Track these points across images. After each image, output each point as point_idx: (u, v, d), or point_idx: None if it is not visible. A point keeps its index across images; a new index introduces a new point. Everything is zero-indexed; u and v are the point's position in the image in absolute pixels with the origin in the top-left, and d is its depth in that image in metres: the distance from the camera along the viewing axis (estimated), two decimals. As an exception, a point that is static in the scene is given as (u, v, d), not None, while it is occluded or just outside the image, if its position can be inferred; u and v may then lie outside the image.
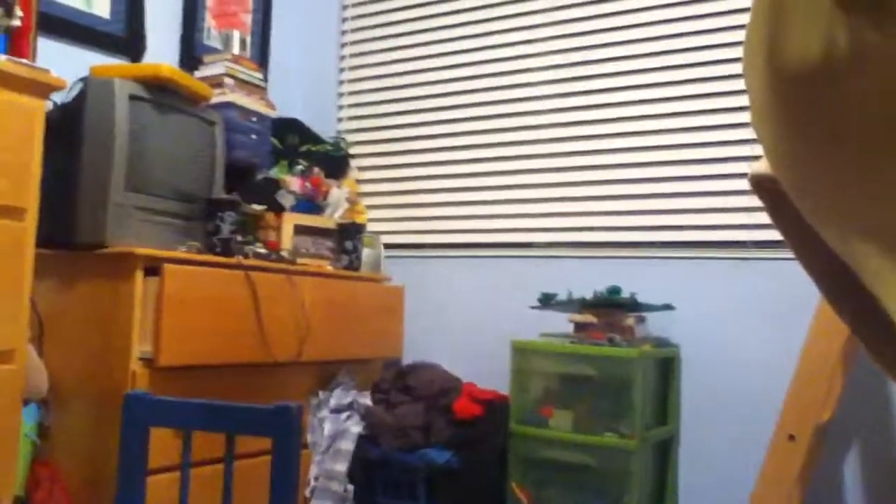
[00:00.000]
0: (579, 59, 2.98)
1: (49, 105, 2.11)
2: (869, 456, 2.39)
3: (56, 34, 2.55)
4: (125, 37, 2.79)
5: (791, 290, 2.48)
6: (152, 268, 2.13)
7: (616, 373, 2.37)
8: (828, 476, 2.40)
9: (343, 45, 3.56)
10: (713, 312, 2.64)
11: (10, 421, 1.76)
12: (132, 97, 2.27)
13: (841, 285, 0.83)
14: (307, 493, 2.48)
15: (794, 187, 0.68)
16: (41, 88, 1.86)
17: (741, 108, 2.64)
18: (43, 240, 1.98)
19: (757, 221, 2.58)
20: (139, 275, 2.11)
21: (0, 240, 1.74)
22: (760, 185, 0.86)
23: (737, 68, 2.68)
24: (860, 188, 0.61)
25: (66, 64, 2.42)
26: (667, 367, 2.61)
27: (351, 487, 2.46)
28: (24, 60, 1.85)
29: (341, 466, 2.48)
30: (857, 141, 0.59)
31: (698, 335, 2.63)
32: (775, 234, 2.51)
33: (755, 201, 2.56)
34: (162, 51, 2.92)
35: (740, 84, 2.64)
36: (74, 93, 2.26)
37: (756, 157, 2.57)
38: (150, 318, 2.10)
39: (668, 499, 2.56)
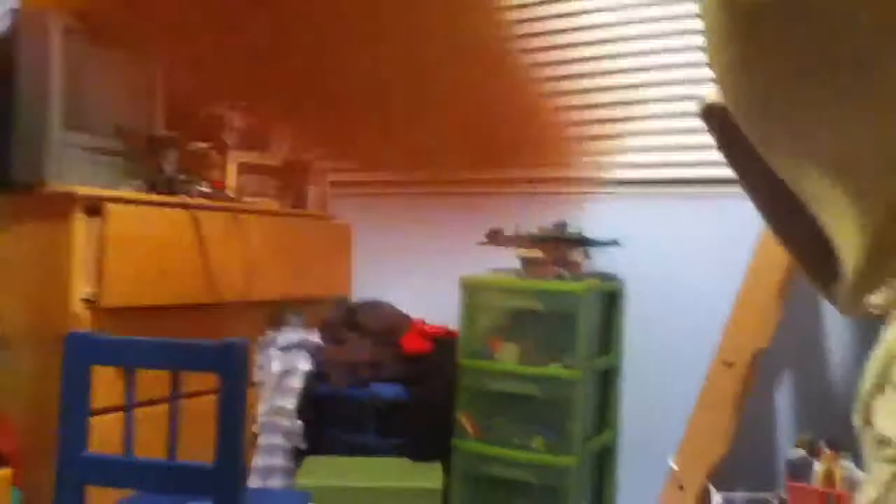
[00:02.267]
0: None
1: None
2: (801, 382, 2.49)
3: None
4: (56, -33, 2.67)
5: (732, 228, 2.53)
6: (94, 207, 2.09)
7: (562, 306, 2.41)
8: (762, 401, 2.49)
9: (286, -22, 3.46)
10: (657, 248, 2.69)
11: (-51, 363, 1.74)
12: (66, 30, 2.18)
13: (785, 212, 0.85)
14: (255, 428, 2.50)
15: (746, 116, 0.69)
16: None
17: (690, 48, 2.65)
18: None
19: (701, 159, 2.62)
20: (80, 215, 2.07)
21: (-71, 179, 1.69)
22: (711, 114, 0.88)
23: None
24: (813, 117, 0.62)
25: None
26: (611, 300, 2.66)
27: (299, 423, 2.49)
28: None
29: (290, 403, 2.50)
30: (812, 72, 0.60)
31: (642, 270, 2.69)
32: (718, 173, 2.55)
33: (700, 140, 2.59)
34: (96, -18, 2.81)
35: (686, 24, 2.65)
36: (6, 26, 2.17)
37: (698, 97, 2.59)
38: (92, 259, 2.07)
39: (610, 425, 2.65)
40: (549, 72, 2.90)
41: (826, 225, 0.65)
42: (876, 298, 0.80)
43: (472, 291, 2.53)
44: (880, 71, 0.54)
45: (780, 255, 2.14)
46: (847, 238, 0.62)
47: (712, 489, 2.23)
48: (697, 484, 2.23)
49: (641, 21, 2.75)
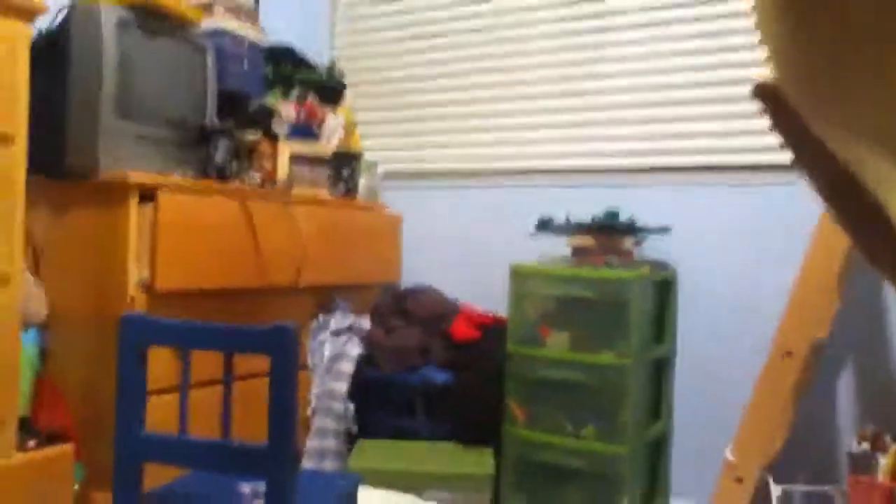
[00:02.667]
0: (577, -21, 2.92)
1: (35, 33, 2.07)
2: (863, 373, 2.42)
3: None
4: (111, -40, 2.72)
5: (787, 213, 2.47)
6: (147, 194, 2.12)
7: (613, 295, 2.38)
8: (823, 390, 2.43)
9: (336, -31, 3.47)
10: (710, 235, 2.63)
11: (11, 343, 1.78)
12: (120, 22, 2.22)
13: (843, 194, 0.81)
14: (309, 412, 2.52)
15: (799, 91, 0.66)
16: (24, 12, 1.82)
17: (739, 31, 2.59)
18: (36, 169, 1.96)
19: (754, 145, 2.56)
20: (133, 201, 2.10)
21: (-9, 164, 1.73)
22: (764, 93, 0.85)
23: (738, -16, 2.62)
24: (868, 89, 0.59)
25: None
26: (664, 288, 2.62)
27: (351, 406, 2.50)
28: (6, -19, 1.80)
29: (341, 386, 2.51)
30: (867, 39, 0.57)
31: (695, 257, 2.64)
32: (772, 158, 2.49)
33: (753, 125, 2.53)
34: (149, -25, 2.85)
35: (739, 5, 2.59)
36: (61, 19, 2.21)
37: (752, 81, 2.54)
38: (146, 245, 2.10)
39: (664, 415, 2.60)
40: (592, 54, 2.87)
41: (886, 205, 0.62)
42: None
43: (522, 279, 2.51)
44: None
45: (838, 242, 2.08)
46: None
47: (771, 482, 2.18)
48: (755, 476, 2.18)
49: (698, 3, 2.70)
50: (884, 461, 1.97)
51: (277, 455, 1.35)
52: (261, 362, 1.47)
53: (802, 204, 2.31)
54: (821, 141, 0.68)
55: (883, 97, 0.60)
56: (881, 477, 1.95)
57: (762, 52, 0.68)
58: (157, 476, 1.52)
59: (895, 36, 0.56)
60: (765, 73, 0.82)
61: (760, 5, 0.63)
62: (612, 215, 2.60)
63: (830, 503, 2.11)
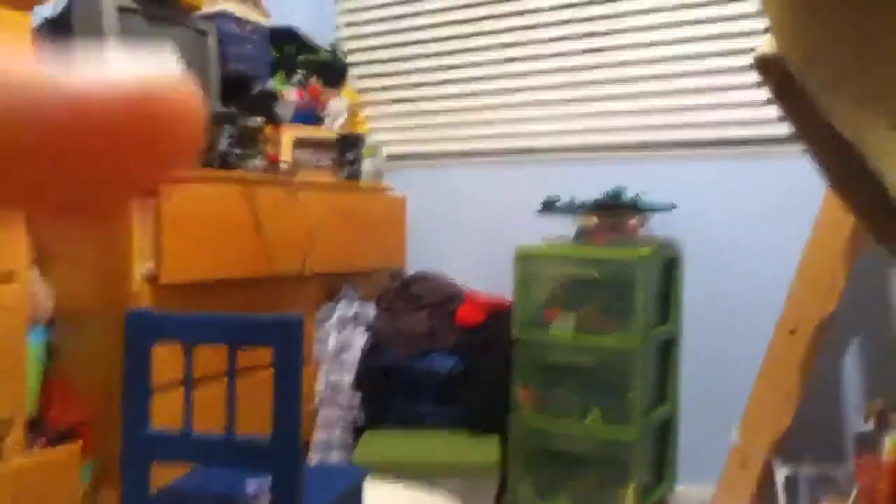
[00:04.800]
0: (580, -46, 2.88)
1: (36, 21, 2.06)
2: (870, 349, 2.41)
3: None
4: (109, -53, 2.70)
5: (792, 188, 2.45)
6: (150, 185, 2.12)
7: (619, 274, 2.37)
8: (829, 370, 2.42)
9: (336, -52, 3.44)
10: (716, 211, 2.62)
11: (18, 341, 1.79)
12: (121, 8, 2.21)
13: (846, 168, 0.81)
14: (315, 402, 2.54)
15: (802, 62, 0.66)
16: (24, 1, 1.81)
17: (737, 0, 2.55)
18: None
19: (758, 117, 2.53)
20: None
21: (-8, 162, 1.73)
22: (766, 65, 0.84)
23: (743, -42, 2.58)
24: (872, 58, 0.59)
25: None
26: (670, 266, 2.61)
27: (358, 396, 2.51)
28: (2, -26, 1.79)
29: (347, 376, 2.52)
30: (869, 7, 0.57)
31: (702, 234, 2.62)
32: (776, 131, 2.46)
33: (757, 97, 2.50)
34: (148, -40, 2.83)
35: (746, -25, 2.55)
36: (61, 7, 2.20)
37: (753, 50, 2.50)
38: (150, 236, 2.11)
39: (671, 396, 2.61)
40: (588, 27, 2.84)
41: (886, 176, 0.62)
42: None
43: (527, 261, 2.50)
44: None
45: (845, 217, 2.06)
46: None
47: (776, 464, 2.18)
48: (760, 459, 2.19)
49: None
50: (888, 440, 1.97)
51: (282, 449, 1.36)
52: (266, 353, 1.48)
53: (809, 178, 2.29)
54: (824, 113, 0.67)
55: (890, 74, 0.59)
56: (886, 455, 1.95)
57: (765, 22, 0.67)
58: (165, 471, 1.54)
59: None
60: (766, 43, 0.81)
61: None
62: (617, 194, 2.58)
63: (836, 484, 2.11)
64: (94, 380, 2.11)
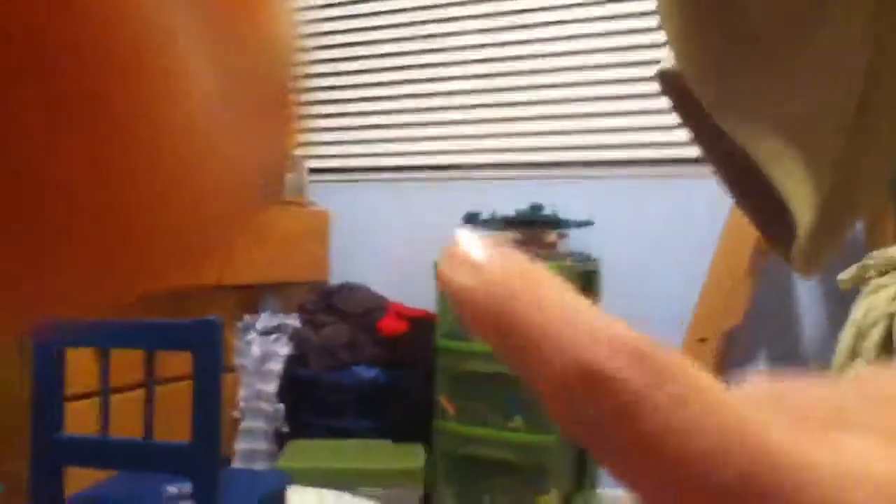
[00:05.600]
0: (500, -23, 2.96)
1: None
2: (775, 360, 2.52)
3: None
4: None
5: (706, 205, 2.56)
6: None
7: (538, 287, 2.42)
8: (737, 379, 2.52)
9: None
10: (632, 228, 2.71)
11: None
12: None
13: (743, 177, 0.87)
14: (237, 413, 2.51)
15: (698, 79, 0.71)
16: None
17: (655, 28, 2.67)
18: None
19: (673, 140, 2.64)
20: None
21: None
22: (667, 80, 0.89)
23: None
24: (761, 76, 0.64)
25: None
26: (587, 280, 2.68)
27: (281, 406, 2.49)
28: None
29: (271, 387, 2.50)
30: (761, 31, 0.62)
31: (617, 250, 2.71)
32: (689, 153, 2.57)
33: (670, 120, 2.61)
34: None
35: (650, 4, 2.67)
36: None
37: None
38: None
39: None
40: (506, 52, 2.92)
41: (781, 187, 0.67)
42: (844, 274, 0.82)
43: (449, 273, 2.53)
44: (821, 28, 0.56)
45: (749, 233, 2.17)
46: (800, 200, 0.64)
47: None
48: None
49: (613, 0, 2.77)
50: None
51: (202, 453, 1.35)
52: (183, 364, 1.46)
53: (721, 196, 2.40)
54: (718, 124, 0.72)
55: (773, 88, 0.64)
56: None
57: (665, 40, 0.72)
58: (79, 481, 1.50)
59: (784, 35, 0.61)
60: (666, 59, 0.87)
61: (661, 3, 0.67)
62: (536, 209, 2.65)
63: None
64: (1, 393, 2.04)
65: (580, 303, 0.16)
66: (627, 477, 0.15)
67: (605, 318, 0.16)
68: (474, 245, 0.17)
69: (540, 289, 0.16)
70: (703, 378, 0.15)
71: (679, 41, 0.67)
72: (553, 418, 0.15)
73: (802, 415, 0.16)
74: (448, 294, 0.17)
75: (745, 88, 0.63)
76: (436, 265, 0.17)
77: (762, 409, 0.15)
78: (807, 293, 2.49)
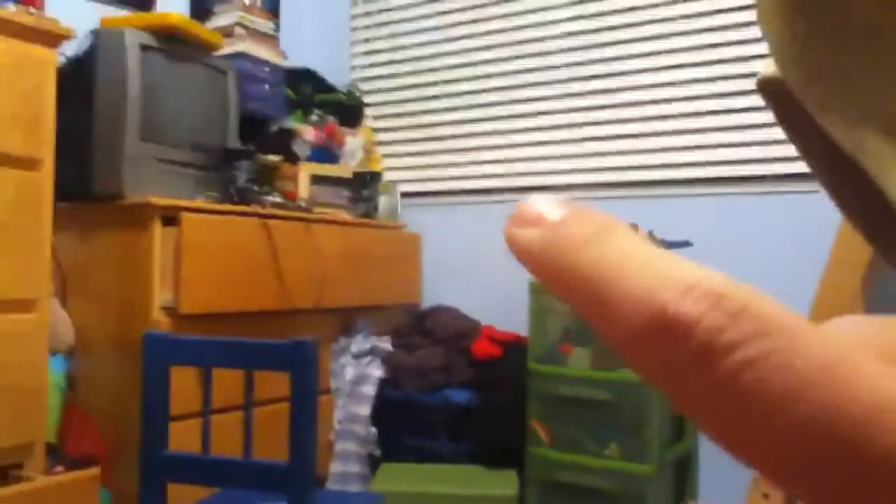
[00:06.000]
0: (592, -4, 2.94)
1: (62, 59, 2.12)
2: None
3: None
4: (135, -11, 2.78)
5: (811, 223, 2.45)
6: (170, 217, 2.15)
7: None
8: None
9: (354, -7, 3.52)
10: (731, 248, 2.62)
11: (38, 369, 1.80)
12: (143, 47, 2.27)
13: (850, 187, 0.82)
14: (331, 436, 2.53)
15: (800, 81, 0.67)
16: (50, 38, 1.87)
17: (750, 41, 2.59)
18: (62, 193, 2.00)
19: (775, 155, 2.55)
20: (157, 224, 2.13)
21: (17, 190, 1.76)
22: (767, 87, 0.85)
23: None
24: (867, 74, 0.60)
25: (77, 17, 2.42)
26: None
27: (374, 430, 2.50)
28: (32, 9, 1.85)
29: (364, 410, 2.51)
30: (863, 24, 0.58)
31: (718, 270, 2.62)
32: (792, 168, 2.47)
33: (772, 135, 2.53)
34: (171, 2, 2.91)
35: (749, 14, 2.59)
36: (86, 45, 2.26)
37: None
38: (170, 267, 2.13)
39: (688, 432, 2.58)
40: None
41: (889, 192, 0.63)
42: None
43: (541, 296, 2.51)
44: None
45: (860, 249, 2.06)
46: None
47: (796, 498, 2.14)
48: (780, 493, 2.15)
49: (710, 13, 2.70)
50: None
51: (297, 471, 1.36)
52: (283, 386, 1.48)
53: (821, 213, 2.30)
54: (825, 132, 0.69)
55: (886, 89, 0.61)
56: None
57: (766, 47, 0.68)
58: (184, 495, 1.54)
59: (893, 21, 0.57)
60: (767, 66, 0.83)
61: (765, 7, 0.64)
62: (633, 228, 2.59)
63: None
64: (114, 409, 2.12)
65: (654, 249, 0.16)
66: (710, 424, 0.14)
67: (681, 262, 0.15)
68: (542, 202, 0.17)
69: (611, 237, 0.16)
70: (782, 314, 0.14)
71: (780, 43, 0.64)
72: (630, 367, 0.15)
73: (891, 349, 0.16)
74: (514, 253, 0.17)
75: (852, 86, 0.59)
76: (528, 286, 0.17)
77: (851, 344, 0.14)
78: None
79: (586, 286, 0.15)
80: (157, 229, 2.13)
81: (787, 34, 0.68)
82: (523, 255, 0.17)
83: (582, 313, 0.16)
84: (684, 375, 0.14)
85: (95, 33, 2.25)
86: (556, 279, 0.16)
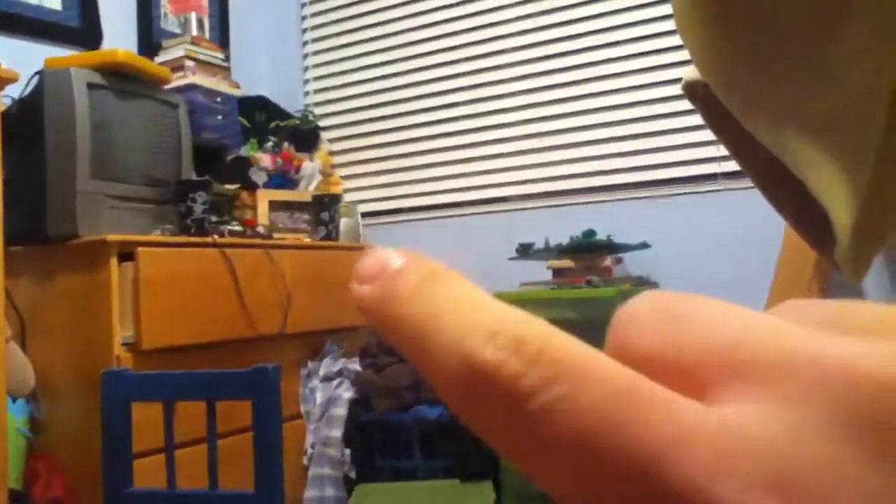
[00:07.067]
0: (537, 10, 2.98)
1: (7, 102, 2.11)
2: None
3: (7, 30, 2.53)
4: (80, 28, 2.78)
5: (764, 219, 2.50)
6: (127, 253, 2.14)
7: (597, 314, 2.39)
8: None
9: (304, 18, 3.54)
10: (689, 247, 2.66)
11: (-2, 414, 1.78)
12: (90, 85, 2.26)
13: (782, 187, 0.84)
14: (305, 461, 2.52)
15: (722, 86, 0.70)
16: (-6, 82, 1.86)
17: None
18: (15, 237, 1.98)
19: (724, 153, 2.59)
20: (114, 261, 2.12)
21: (-33, 236, 1.75)
22: (693, 91, 0.88)
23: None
24: (784, 75, 0.62)
25: (22, 60, 2.40)
26: (648, 304, 2.63)
27: (347, 451, 2.50)
28: (-29, 55, 1.84)
29: (336, 432, 2.51)
30: (778, 27, 0.61)
31: (676, 271, 2.66)
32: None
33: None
34: (119, 40, 2.90)
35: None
36: (32, 87, 2.25)
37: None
38: (129, 303, 2.12)
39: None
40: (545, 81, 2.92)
41: (816, 190, 0.65)
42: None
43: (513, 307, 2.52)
44: (848, 14, 0.54)
45: (808, 248, 2.10)
46: (836, 201, 0.62)
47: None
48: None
49: (652, 20, 2.75)
50: None
51: (265, 500, 1.36)
52: (249, 415, 1.47)
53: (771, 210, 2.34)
54: (750, 134, 0.70)
55: (799, 85, 0.63)
56: None
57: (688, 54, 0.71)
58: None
59: (809, 26, 0.59)
60: (691, 70, 0.85)
61: (679, 10, 0.66)
62: (589, 234, 2.62)
63: None
64: (80, 450, 2.09)
65: (475, 295, 0.16)
66: (523, 466, 0.14)
67: (491, 305, 0.15)
68: (379, 256, 0.17)
69: (435, 287, 0.16)
70: (574, 355, 0.14)
71: (699, 49, 0.66)
72: (455, 413, 0.15)
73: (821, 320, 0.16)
74: (357, 309, 0.17)
75: (772, 89, 0.61)
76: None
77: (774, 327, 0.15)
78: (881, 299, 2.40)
79: (411, 338, 0.16)
80: (114, 266, 2.12)
81: (704, 40, 0.70)
82: (361, 311, 0.17)
83: (413, 364, 0.16)
84: (496, 421, 0.14)
85: (41, 74, 2.24)
86: (389, 333, 0.16)
